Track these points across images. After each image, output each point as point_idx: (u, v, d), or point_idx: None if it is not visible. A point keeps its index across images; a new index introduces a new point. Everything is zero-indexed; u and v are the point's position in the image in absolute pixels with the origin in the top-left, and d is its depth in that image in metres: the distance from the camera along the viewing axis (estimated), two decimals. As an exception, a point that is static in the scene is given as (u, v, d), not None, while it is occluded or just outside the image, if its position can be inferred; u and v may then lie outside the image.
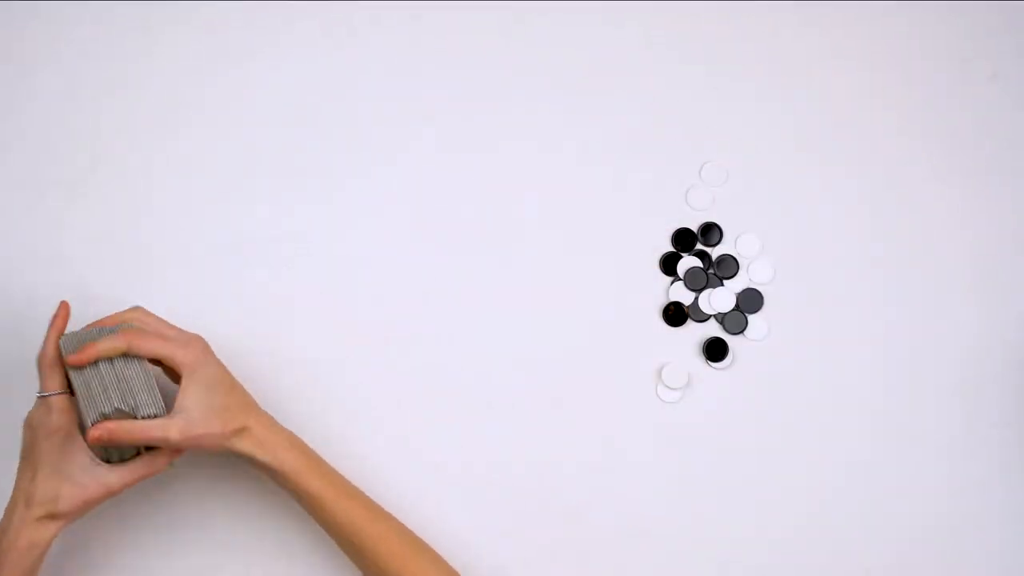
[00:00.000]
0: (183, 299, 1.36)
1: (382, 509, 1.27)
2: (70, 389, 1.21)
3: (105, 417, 1.19)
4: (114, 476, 1.21)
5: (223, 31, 1.39)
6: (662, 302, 1.39)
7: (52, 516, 1.19)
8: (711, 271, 1.39)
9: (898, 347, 1.38)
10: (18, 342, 1.35)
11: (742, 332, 1.38)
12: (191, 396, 1.21)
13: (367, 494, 1.28)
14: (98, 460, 1.21)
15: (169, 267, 1.37)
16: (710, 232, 1.39)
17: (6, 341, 1.35)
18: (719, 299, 1.39)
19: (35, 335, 1.34)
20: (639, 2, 1.41)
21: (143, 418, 1.20)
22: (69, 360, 1.20)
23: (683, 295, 1.39)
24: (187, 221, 1.38)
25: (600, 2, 1.41)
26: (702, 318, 1.38)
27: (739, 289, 1.39)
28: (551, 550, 1.35)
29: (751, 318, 1.38)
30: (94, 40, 1.39)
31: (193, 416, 1.20)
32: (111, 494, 1.21)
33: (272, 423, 1.25)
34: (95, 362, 1.20)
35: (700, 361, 1.38)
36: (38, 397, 1.21)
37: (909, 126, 1.41)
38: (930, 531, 1.36)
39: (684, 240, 1.39)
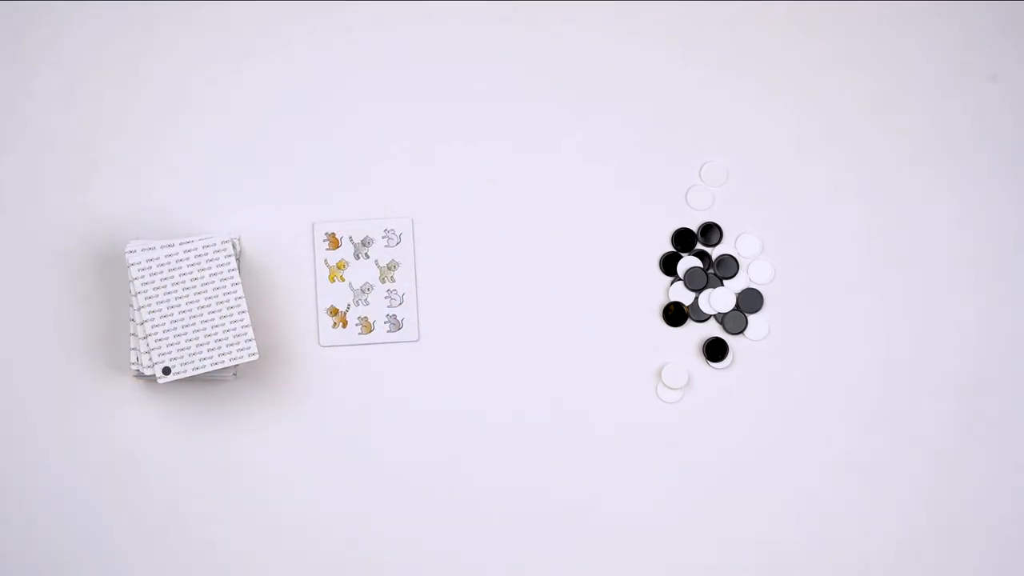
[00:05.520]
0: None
1: None
2: None
3: None
4: None
5: (223, 30, 1.39)
6: (662, 302, 1.38)
7: None
8: (711, 271, 1.39)
9: (898, 347, 1.38)
10: (18, 341, 1.35)
11: (742, 332, 1.38)
12: None
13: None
14: None
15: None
16: (710, 232, 1.39)
17: (6, 340, 1.35)
18: (719, 299, 1.39)
19: (35, 333, 1.34)
20: (640, 3, 1.41)
21: None
22: None
23: (683, 295, 1.38)
24: (185, 220, 1.37)
25: (601, 2, 1.41)
26: (702, 318, 1.38)
27: (739, 289, 1.39)
28: (551, 550, 1.35)
29: (751, 318, 1.38)
30: (94, 40, 1.39)
31: None
32: None
33: None
34: None
35: (700, 361, 1.38)
36: None
37: (909, 127, 1.41)
38: (929, 530, 1.36)
39: (684, 240, 1.39)
